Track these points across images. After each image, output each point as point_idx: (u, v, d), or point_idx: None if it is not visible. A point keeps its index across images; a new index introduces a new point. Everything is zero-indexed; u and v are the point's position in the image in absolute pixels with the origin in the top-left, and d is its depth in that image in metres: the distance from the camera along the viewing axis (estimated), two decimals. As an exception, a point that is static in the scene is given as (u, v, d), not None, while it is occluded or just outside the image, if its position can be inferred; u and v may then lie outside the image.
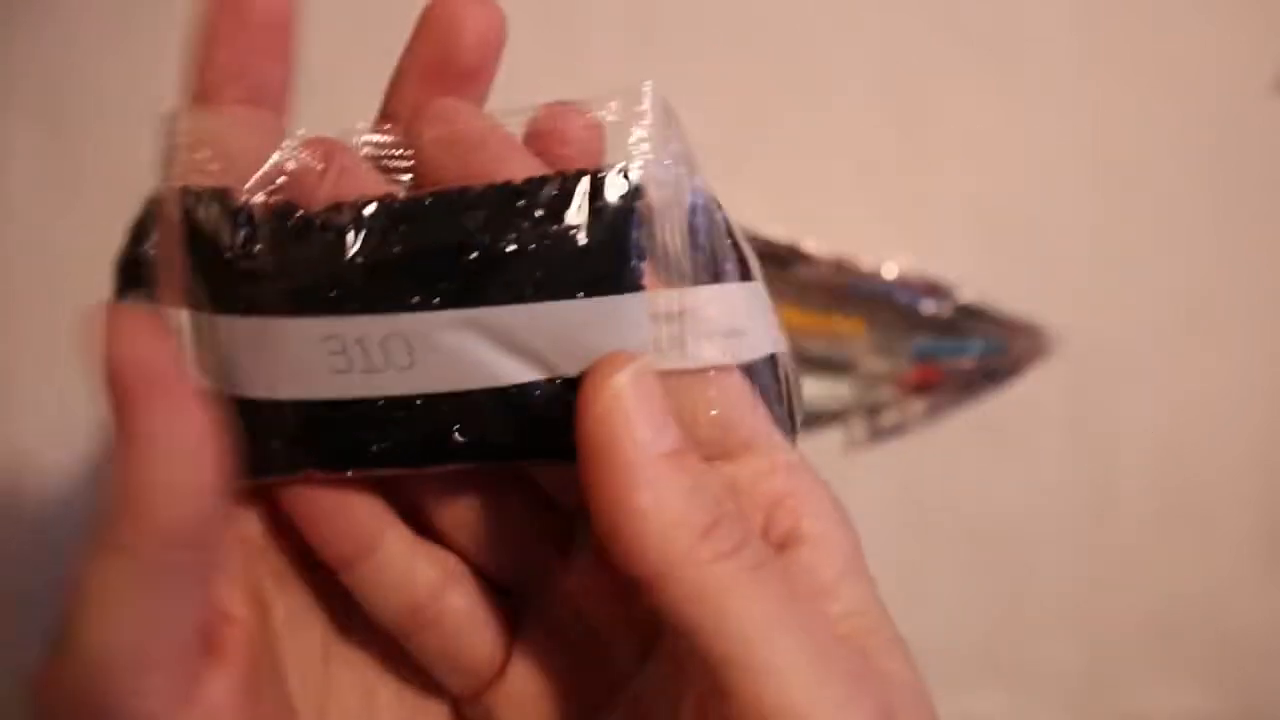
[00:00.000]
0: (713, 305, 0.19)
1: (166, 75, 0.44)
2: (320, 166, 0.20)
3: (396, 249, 0.19)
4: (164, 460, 0.16)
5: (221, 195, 0.20)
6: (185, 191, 0.20)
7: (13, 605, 0.42)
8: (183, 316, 0.20)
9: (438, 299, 0.19)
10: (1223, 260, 0.46)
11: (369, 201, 0.19)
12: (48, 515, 0.43)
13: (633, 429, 0.18)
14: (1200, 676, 0.46)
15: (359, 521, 0.21)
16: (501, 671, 0.22)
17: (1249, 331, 0.46)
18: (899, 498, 0.44)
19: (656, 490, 0.17)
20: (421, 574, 0.22)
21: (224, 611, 0.20)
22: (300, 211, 0.19)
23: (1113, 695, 0.46)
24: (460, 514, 0.22)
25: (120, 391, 0.16)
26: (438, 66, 0.21)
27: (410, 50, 0.22)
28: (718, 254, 0.20)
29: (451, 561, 0.22)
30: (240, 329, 0.19)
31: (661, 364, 0.19)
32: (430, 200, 0.19)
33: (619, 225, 0.19)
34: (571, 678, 0.22)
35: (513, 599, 0.23)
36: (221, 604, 0.20)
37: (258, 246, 0.19)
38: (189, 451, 0.17)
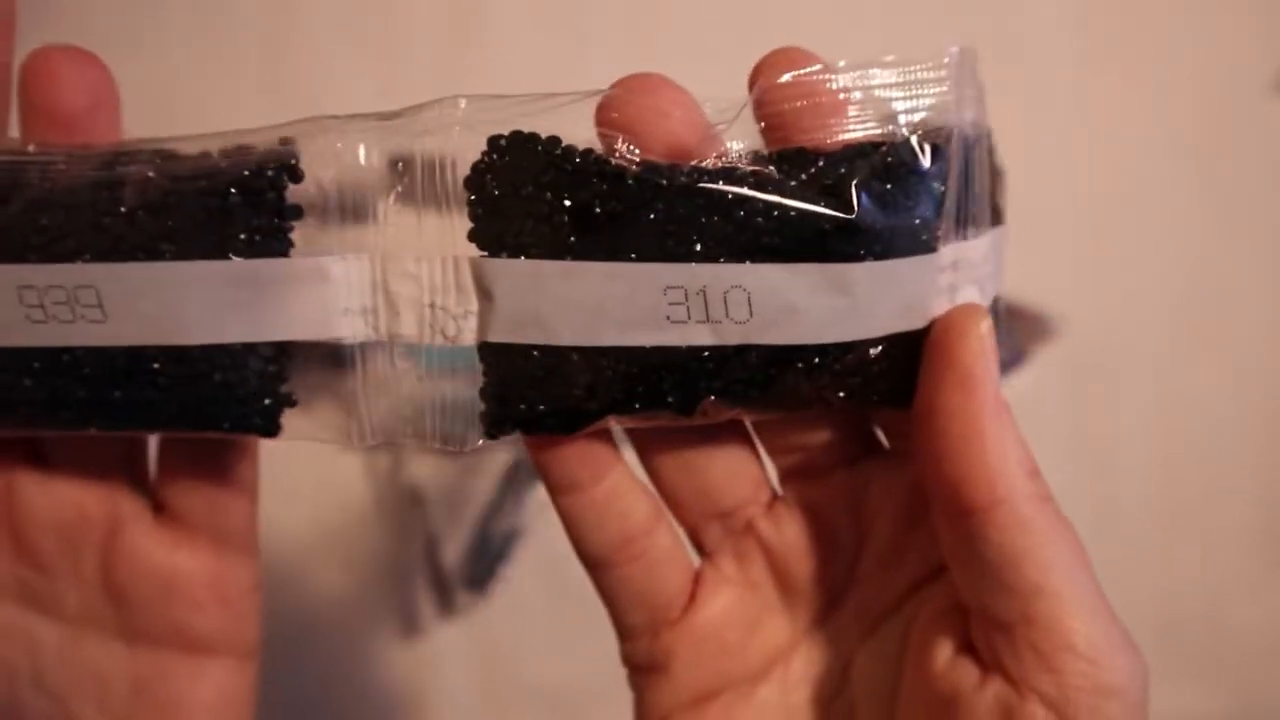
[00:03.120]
0: (977, 254, 0.21)
1: (169, 83, 0.44)
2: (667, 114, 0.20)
3: (760, 205, 0.19)
4: None
5: (554, 143, 0.20)
6: (522, 139, 0.19)
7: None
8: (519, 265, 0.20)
9: (791, 256, 0.19)
10: (1223, 260, 0.47)
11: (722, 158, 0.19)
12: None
13: (991, 372, 0.19)
14: (1200, 675, 0.46)
15: (596, 447, 0.22)
16: (685, 612, 0.23)
17: (1248, 331, 0.46)
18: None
19: (1004, 429, 0.19)
20: (639, 507, 0.23)
21: None
22: (670, 165, 0.19)
23: (1112, 694, 0.46)
24: (673, 457, 0.23)
25: None
26: (45, 120, 0.21)
27: (20, 103, 0.22)
28: (980, 196, 0.21)
29: (658, 500, 0.23)
30: (593, 275, 0.19)
31: (940, 311, 0.20)
32: (791, 154, 0.20)
33: (930, 188, 0.20)
34: (755, 622, 0.24)
35: (699, 545, 0.24)
36: None
37: (617, 198, 0.19)
38: None
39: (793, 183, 0.19)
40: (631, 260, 0.19)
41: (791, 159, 0.20)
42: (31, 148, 0.20)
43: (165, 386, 0.20)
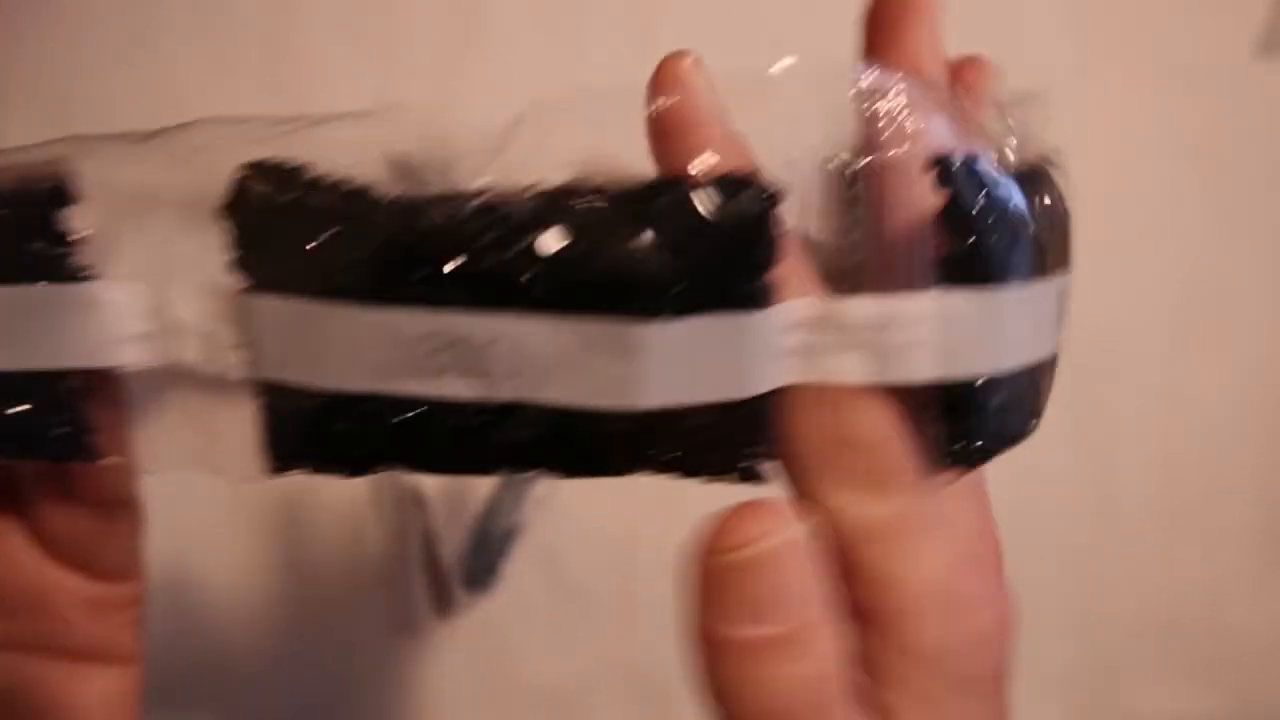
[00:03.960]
0: (868, 314, 0.18)
1: (173, 84, 0.44)
2: None
3: (532, 246, 0.17)
4: None
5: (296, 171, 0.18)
6: (264, 170, 0.18)
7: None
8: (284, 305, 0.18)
9: (566, 308, 0.17)
10: (1223, 258, 0.46)
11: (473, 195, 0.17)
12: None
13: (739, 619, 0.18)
14: (1200, 676, 0.46)
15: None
16: None
17: (1249, 330, 0.46)
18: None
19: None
20: None
21: None
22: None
23: (1112, 695, 0.46)
24: None
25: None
26: None
27: None
28: (898, 243, 0.18)
29: None
30: (347, 318, 0.18)
31: (787, 378, 0.18)
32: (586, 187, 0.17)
33: (759, 231, 0.17)
34: None
35: None
36: None
37: (374, 232, 0.18)
38: None
39: (578, 222, 0.17)
40: (388, 304, 0.18)
41: (587, 193, 0.17)
42: None
43: None
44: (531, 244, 0.17)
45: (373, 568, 0.45)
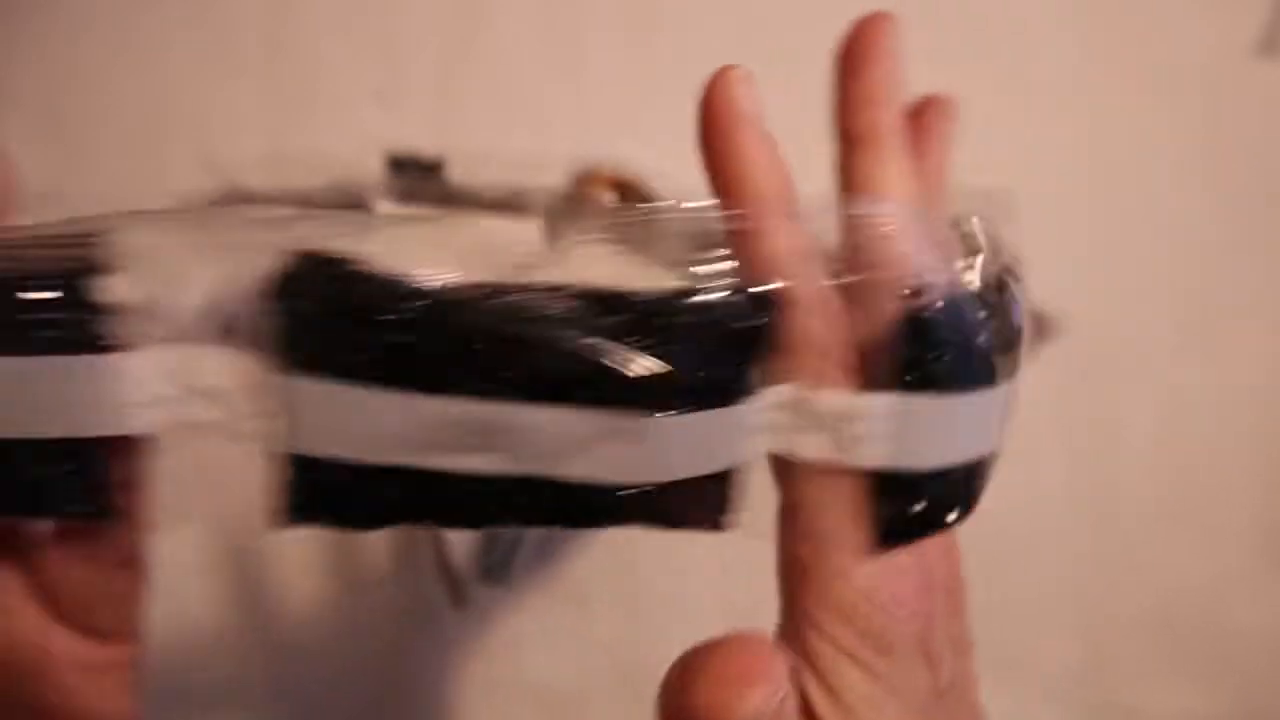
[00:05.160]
0: (832, 403, 0.21)
1: (168, 82, 0.44)
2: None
3: (564, 346, 0.19)
4: None
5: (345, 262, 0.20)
6: (321, 259, 0.19)
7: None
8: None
9: (586, 401, 0.19)
10: (1221, 245, 0.46)
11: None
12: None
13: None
14: (1199, 675, 0.46)
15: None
16: None
17: (1251, 328, 0.46)
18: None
19: None
20: None
21: None
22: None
23: (1112, 693, 0.46)
24: None
25: None
26: None
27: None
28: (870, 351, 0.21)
29: None
30: (383, 402, 0.19)
31: (770, 447, 0.21)
32: (613, 294, 0.19)
33: (757, 337, 0.20)
34: None
35: None
36: None
37: (412, 324, 0.19)
38: None
39: (606, 323, 0.19)
40: (420, 391, 0.19)
41: (614, 299, 0.19)
42: None
43: None
44: (562, 345, 0.19)
45: (383, 564, 0.45)
